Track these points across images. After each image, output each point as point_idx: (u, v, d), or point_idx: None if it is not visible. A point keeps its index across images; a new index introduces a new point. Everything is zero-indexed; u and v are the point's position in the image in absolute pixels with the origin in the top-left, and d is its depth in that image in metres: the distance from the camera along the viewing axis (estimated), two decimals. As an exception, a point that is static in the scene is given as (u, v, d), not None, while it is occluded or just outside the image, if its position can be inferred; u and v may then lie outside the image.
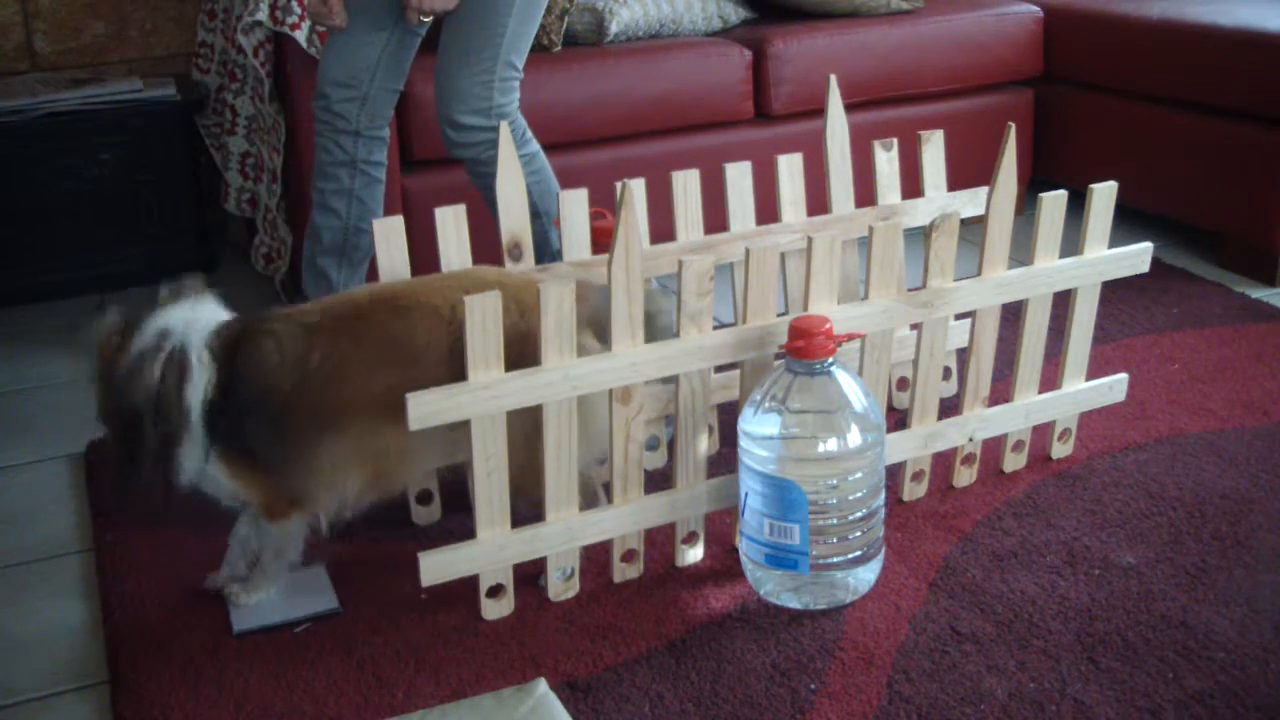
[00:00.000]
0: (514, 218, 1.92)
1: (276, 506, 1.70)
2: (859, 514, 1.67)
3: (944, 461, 2.01)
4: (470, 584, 1.70)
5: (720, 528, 1.89)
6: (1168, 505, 1.93)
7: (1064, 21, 3.25)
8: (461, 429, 1.62)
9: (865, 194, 2.19)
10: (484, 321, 1.56)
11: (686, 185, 2.01)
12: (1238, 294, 2.76)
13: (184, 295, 1.68)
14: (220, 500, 1.72)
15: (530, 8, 2.21)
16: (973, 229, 2.11)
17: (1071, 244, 1.94)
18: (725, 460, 2.07)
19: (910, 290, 1.85)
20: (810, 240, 1.72)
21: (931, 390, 1.90)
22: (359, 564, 1.85)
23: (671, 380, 1.73)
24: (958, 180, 2.33)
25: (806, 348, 1.64)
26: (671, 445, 1.79)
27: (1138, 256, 1.99)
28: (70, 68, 3.34)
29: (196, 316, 1.66)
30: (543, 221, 2.26)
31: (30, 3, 3.28)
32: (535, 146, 2.32)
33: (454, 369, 1.62)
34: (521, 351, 1.64)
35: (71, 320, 2.94)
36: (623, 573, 1.79)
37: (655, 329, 1.74)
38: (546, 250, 2.25)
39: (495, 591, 1.71)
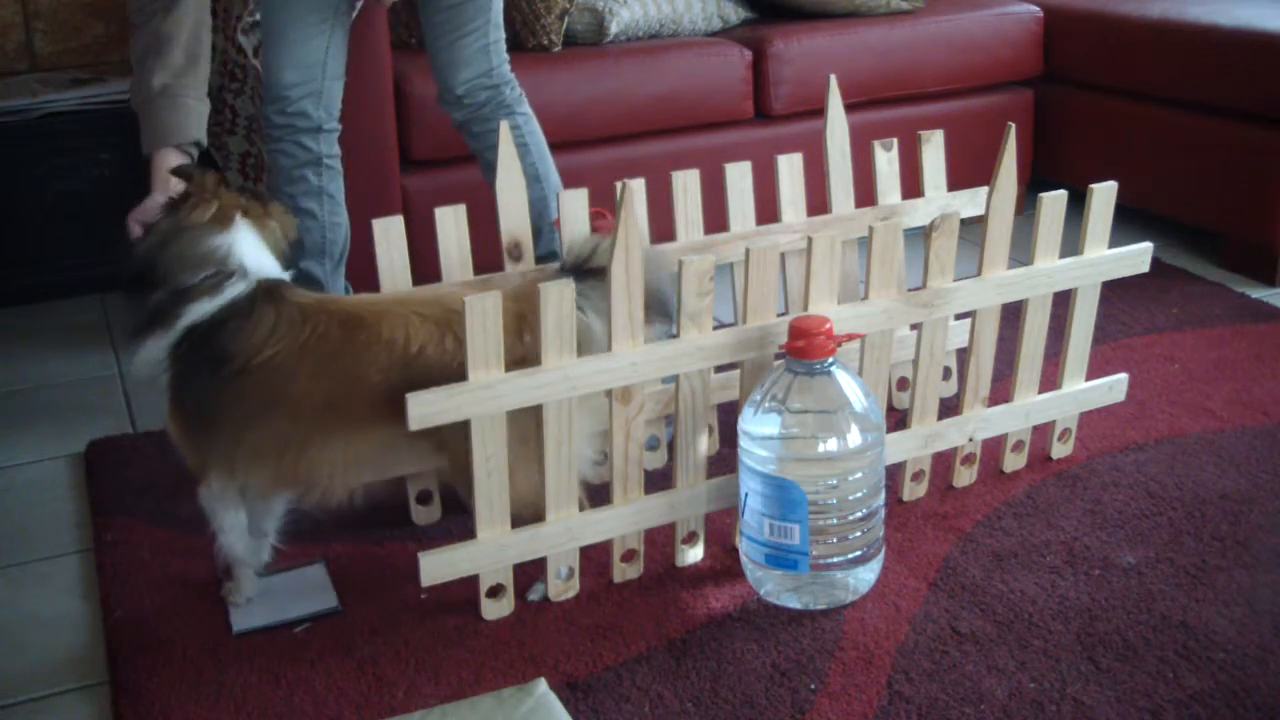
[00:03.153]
0: (514, 218, 1.92)
1: (192, 464, 1.69)
2: (859, 514, 1.67)
3: (944, 461, 2.01)
4: (470, 584, 1.70)
5: (720, 528, 1.89)
6: (1168, 505, 1.93)
7: (1064, 21, 3.24)
8: (395, 447, 1.67)
9: (865, 194, 2.19)
10: (484, 321, 1.56)
11: (686, 185, 2.01)
12: (1238, 294, 2.76)
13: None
14: None
15: None
16: (973, 229, 2.11)
17: (1071, 244, 1.94)
18: (725, 460, 2.07)
19: (910, 290, 1.85)
20: (810, 240, 1.72)
21: (931, 390, 1.90)
22: (359, 564, 1.85)
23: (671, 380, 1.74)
24: (958, 180, 2.33)
25: (806, 348, 1.64)
26: (671, 445, 1.79)
27: (1138, 256, 1.99)
28: (70, 68, 3.34)
29: (265, 262, 1.70)
30: (541, 187, 2.30)
31: (30, 3, 3.27)
32: (528, 109, 2.37)
33: (393, 402, 1.57)
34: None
35: (71, 320, 2.94)
36: (623, 573, 1.79)
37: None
38: (545, 219, 2.29)
39: (495, 591, 1.71)
